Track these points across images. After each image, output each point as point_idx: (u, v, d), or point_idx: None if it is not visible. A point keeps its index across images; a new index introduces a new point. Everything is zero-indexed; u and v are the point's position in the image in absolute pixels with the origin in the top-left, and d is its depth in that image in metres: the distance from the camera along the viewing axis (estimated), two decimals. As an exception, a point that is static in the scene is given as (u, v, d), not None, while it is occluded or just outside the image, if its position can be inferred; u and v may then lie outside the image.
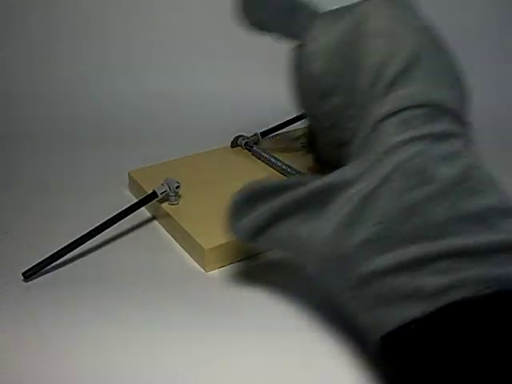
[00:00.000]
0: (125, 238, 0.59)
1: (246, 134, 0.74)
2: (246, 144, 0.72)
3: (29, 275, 0.51)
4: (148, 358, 0.44)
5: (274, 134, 0.75)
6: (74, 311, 0.49)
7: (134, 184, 0.66)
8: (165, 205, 0.60)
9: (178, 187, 0.60)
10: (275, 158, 0.68)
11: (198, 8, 0.94)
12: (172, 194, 0.59)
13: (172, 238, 0.59)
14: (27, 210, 0.64)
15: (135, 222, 0.61)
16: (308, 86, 0.50)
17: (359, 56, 0.45)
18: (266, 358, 0.44)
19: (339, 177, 0.40)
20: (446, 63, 0.46)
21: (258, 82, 0.90)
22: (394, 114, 0.41)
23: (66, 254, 0.53)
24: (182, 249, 0.58)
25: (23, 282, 0.51)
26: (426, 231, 0.36)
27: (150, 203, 0.59)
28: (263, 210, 0.42)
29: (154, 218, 0.63)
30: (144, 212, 0.62)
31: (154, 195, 0.59)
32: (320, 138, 0.53)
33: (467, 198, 0.36)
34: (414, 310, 0.34)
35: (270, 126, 0.76)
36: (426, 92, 0.42)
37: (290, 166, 0.66)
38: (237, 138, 0.73)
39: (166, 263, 0.55)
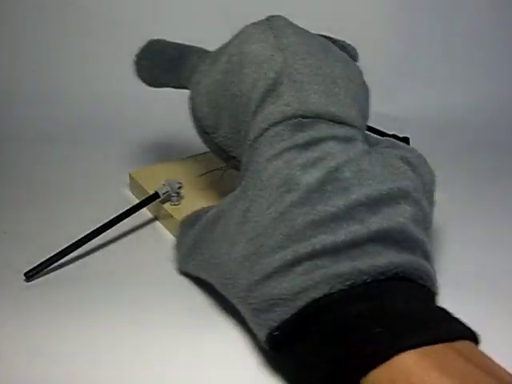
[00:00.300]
0: (126, 239, 0.58)
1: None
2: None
3: (30, 275, 0.51)
4: (156, 358, 0.44)
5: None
6: (75, 311, 0.48)
7: (134, 184, 0.66)
8: (166, 205, 0.60)
9: (179, 187, 0.60)
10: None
11: (198, 8, 0.95)
12: (174, 194, 0.59)
13: (174, 238, 0.58)
14: (27, 209, 0.63)
15: (136, 223, 0.60)
16: (198, 128, 0.52)
17: (233, 88, 0.47)
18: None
19: (225, 202, 0.44)
20: (331, 70, 0.46)
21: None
22: (265, 130, 0.43)
23: (67, 254, 0.53)
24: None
25: (24, 282, 0.51)
26: (290, 238, 0.38)
27: (151, 204, 0.59)
28: (186, 239, 0.47)
29: (155, 218, 0.62)
30: (145, 212, 0.62)
31: (155, 196, 0.58)
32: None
33: (326, 200, 0.38)
34: (279, 316, 0.37)
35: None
36: (292, 104, 0.43)
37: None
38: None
39: (167, 263, 0.54)
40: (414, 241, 0.38)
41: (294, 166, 0.40)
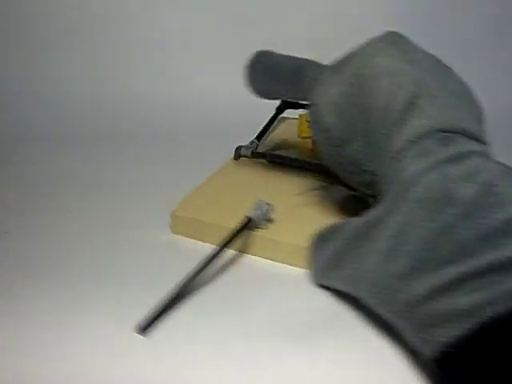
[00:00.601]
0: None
1: (244, 144, 0.68)
2: (252, 153, 0.67)
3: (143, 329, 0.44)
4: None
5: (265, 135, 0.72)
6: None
7: (180, 222, 0.57)
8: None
9: (269, 210, 0.53)
10: (292, 159, 0.64)
11: (198, 8, 0.95)
12: (264, 218, 0.52)
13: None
14: (27, 209, 0.62)
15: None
16: (324, 140, 0.51)
17: (366, 99, 0.47)
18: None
19: (373, 215, 0.43)
20: (453, 87, 0.48)
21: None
22: (410, 143, 0.43)
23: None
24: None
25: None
26: (456, 253, 0.37)
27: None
28: (325, 252, 0.47)
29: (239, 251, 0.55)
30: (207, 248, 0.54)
31: (249, 222, 0.51)
32: (344, 181, 0.54)
33: (489, 213, 0.38)
34: (452, 332, 0.35)
35: (258, 130, 0.72)
36: (437, 118, 0.43)
37: (309, 162, 0.63)
38: (238, 148, 0.67)
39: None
40: None
41: (451, 179, 0.39)
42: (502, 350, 0.34)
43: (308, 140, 0.65)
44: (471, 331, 0.34)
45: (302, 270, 0.51)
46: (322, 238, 0.48)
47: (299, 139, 0.68)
